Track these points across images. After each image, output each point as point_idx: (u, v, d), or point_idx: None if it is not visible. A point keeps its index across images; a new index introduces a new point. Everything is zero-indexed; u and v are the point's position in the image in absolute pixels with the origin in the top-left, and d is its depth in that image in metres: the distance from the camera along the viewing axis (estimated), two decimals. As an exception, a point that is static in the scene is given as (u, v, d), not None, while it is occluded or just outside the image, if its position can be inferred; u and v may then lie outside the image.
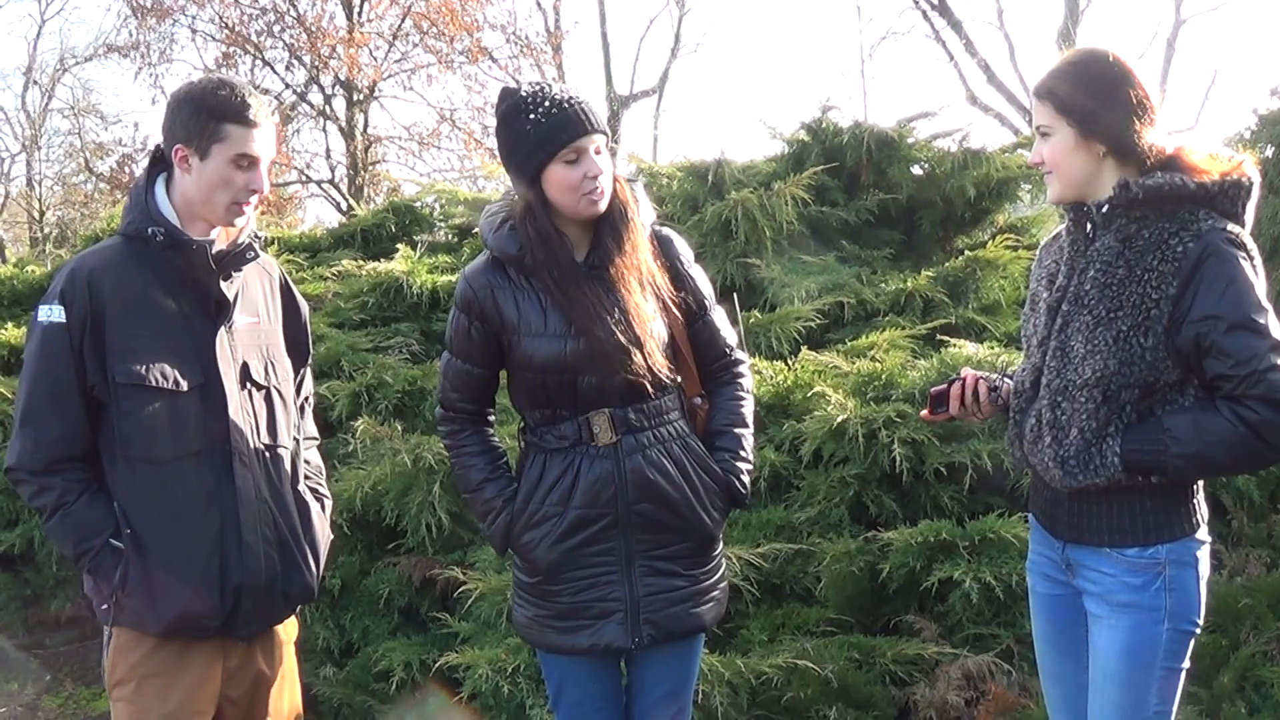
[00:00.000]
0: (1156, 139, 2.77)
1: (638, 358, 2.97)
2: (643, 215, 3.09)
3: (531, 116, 2.94)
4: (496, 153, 3.24)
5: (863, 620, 4.64)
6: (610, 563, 3.03)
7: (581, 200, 2.96)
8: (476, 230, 7.75)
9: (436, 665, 4.56)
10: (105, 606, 2.93)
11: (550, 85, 3.01)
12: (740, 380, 3.26)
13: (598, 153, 2.96)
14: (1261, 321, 2.61)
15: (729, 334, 3.26)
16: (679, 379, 3.15)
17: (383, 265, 7.35)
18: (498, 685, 4.32)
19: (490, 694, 4.37)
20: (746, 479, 3.18)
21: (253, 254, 3.05)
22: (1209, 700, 4.15)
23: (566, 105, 2.94)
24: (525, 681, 4.30)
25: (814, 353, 5.71)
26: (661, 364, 3.03)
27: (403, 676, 4.74)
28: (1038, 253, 3.10)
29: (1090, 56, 2.82)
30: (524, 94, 2.98)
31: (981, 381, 3.06)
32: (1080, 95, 2.76)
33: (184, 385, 2.91)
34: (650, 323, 3.02)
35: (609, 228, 3.02)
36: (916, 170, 7.68)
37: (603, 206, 2.99)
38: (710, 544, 3.14)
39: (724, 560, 3.25)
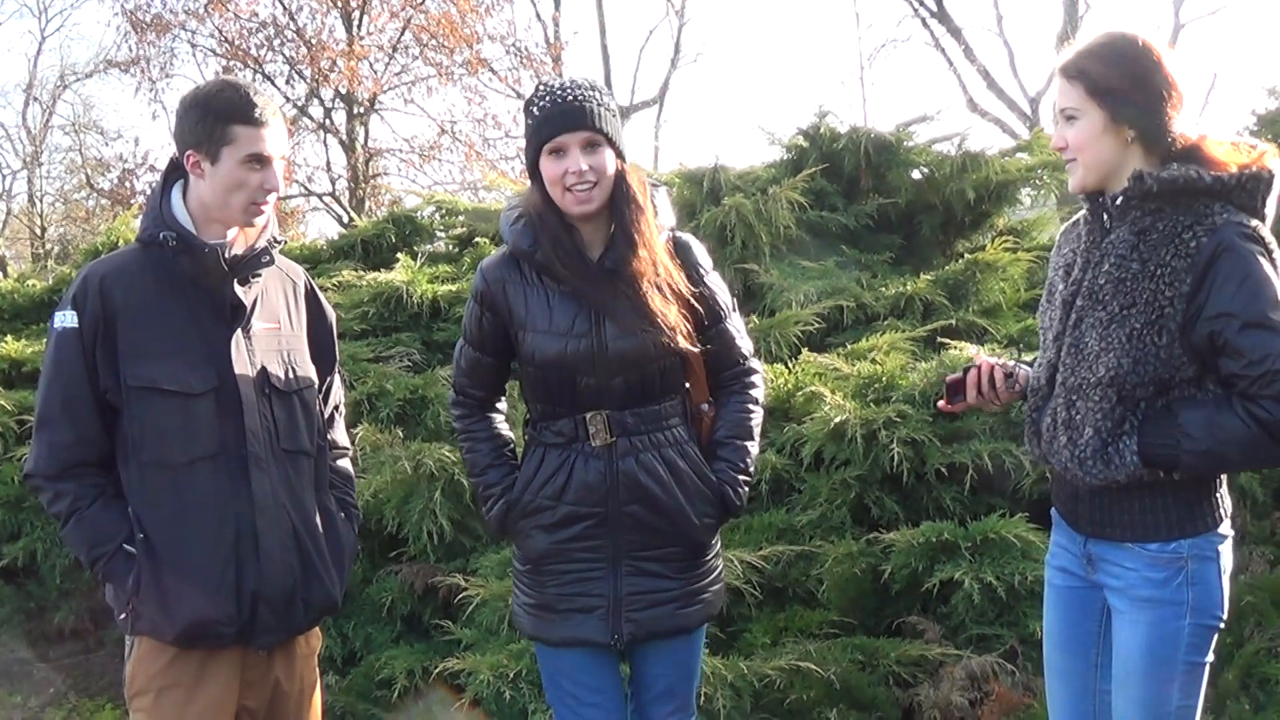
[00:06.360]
0: (1184, 126, 2.71)
1: (653, 352, 2.98)
2: (661, 219, 3.09)
3: (535, 110, 2.99)
4: (497, 164, 3.25)
5: (865, 622, 4.64)
6: (597, 560, 3.05)
7: (565, 195, 2.96)
8: (478, 240, 7.86)
9: (437, 671, 4.56)
10: (124, 615, 2.88)
11: (564, 80, 3.03)
12: (750, 390, 3.24)
13: (585, 149, 2.95)
14: (1277, 319, 2.54)
15: (744, 343, 3.25)
16: (687, 384, 3.15)
17: (383, 275, 7.33)
18: (499, 691, 4.32)
19: (492, 699, 4.37)
20: (744, 490, 3.17)
21: (268, 258, 3.01)
22: (1214, 698, 4.14)
23: (561, 100, 2.95)
24: (527, 687, 4.30)
25: (815, 355, 5.70)
26: (683, 342, 3.02)
27: (405, 684, 4.76)
28: (1056, 239, 3.03)
29: (1122, 38, 2.73)
30: (538, 87, 3.04)
31: (997, 368, 3.02)
32: (1113, 76, 2.68)
33: (195, 389, 2.87)
34: (668, 318, 2.99)
35: (621, 229, 3.01)
36: (915, 174, 7.67)
37: (592, 206, 2.98)
38: (701, 549, 3.14)
39: (719, 563, 3.24)
